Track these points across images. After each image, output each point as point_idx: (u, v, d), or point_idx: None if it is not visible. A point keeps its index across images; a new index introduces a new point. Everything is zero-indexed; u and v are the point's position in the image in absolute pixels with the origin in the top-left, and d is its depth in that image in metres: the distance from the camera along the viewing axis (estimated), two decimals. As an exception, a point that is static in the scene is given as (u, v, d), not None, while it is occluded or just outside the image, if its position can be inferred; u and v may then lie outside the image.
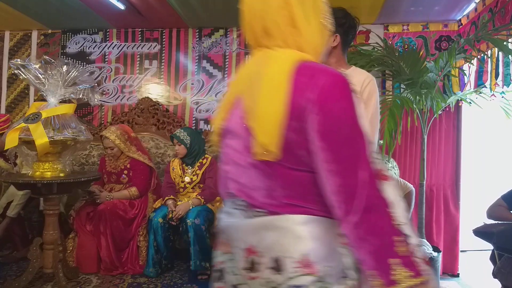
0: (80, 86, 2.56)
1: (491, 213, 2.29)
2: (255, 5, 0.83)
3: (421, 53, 3.04)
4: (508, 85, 2.48)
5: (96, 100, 2.63)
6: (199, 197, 2.84)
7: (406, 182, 2.76)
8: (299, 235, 0.75)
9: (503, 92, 2.58)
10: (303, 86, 0.74)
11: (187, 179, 2.96)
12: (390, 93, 3.37)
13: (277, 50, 0.81)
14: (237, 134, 0.84)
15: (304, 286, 0.73)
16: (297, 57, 0.79)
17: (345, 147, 0.72)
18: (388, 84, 3.48)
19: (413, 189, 2.70)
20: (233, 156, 0.86)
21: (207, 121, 3.83)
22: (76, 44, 4.00)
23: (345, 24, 1.80)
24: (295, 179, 0.77)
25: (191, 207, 2.77)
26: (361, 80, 1.70)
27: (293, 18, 0.81)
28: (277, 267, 0.76)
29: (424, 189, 2.97)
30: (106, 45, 3.96)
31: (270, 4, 0.81)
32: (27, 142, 2.39)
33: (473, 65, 2.89)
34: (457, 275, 3.17)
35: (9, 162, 3.08)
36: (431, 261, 2.61)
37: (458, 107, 3.32)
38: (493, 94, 2.61)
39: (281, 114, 0.74)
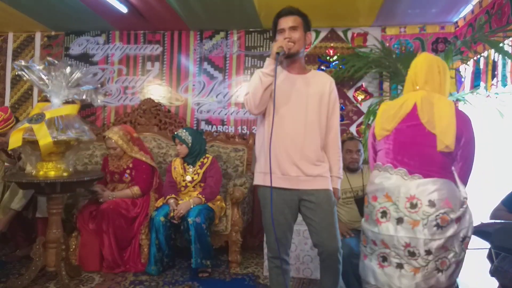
0: (83, 87, 2.59)
1: (494, 218, 2.32)
2: (424, 67, 1.69)
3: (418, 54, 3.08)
4: (504, 86, 2.52)
5: (99, 101, 2.66)
6: (200, 196, 2.88)
7: None
8: (442, 188, 1.54)
9: (496, 93, 2.62)
10: (459, 120, 1.59)
11: (188, 178, 3.00)
12: (388, 94, 3.41)
13: (436, 94, 1.65)
14: (417, 132, 1.61)
15: (446, 213, 1.52)
16: (451, 102, 1.65)
17: (471, 155, 1.63)
18: (386, 85, 3.52)
19: None
20: (410, 144, 1.61)
21: (208, 122, 3.88)
22: (79, 46, 4.05)
23: (310, 26, 1.89)
24: (444, 161, 1.58)
25: (192, 206, 2.80)
26: (328, 82, 1.89)
27: (440, 78, 1.68)
28: (431, 204, 1.53)
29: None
30: (109, 47, 4.01)
31: (433, 70, 1.68)
32: (31, 142, 2.41)
33: (469, 66, 2.92)
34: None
35: (12, 157, 3.10)
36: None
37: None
38: (488, 95, 2.65)
39: (455, 132, 1.56)
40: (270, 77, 1.74)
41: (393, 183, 1.58)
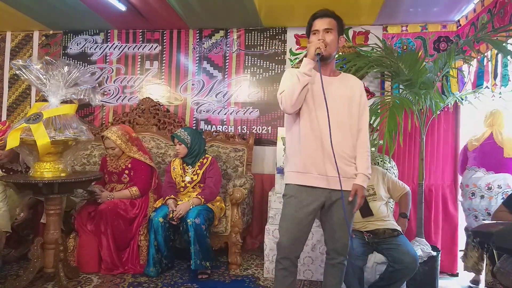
0: (82, 86, 2.56)
1: (496, 219, 2.31)
2: (495, 116, 2.89)
3: (419, 53, 3.05)
4: (505, 86, 2.50)
5: (97, 100, 2.63)
6: (200, 196, 2.85)
7: (403, 183, 2.77)
8: (506, 178, 2.76)
9: (500, 93, 2.60)
10: None
11: (187, 178, 2.97)
12: (389, 93, 3.39)
13: (502, 128, 2.86)
14: (493, 146, 2.84)
15: (507, 191, 2.68)
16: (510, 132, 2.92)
17: None
18: (387, 84, 3.49)
19: (410, 190, 2.73)
20: (489, 153, 2.84)
21: (207, 121, 3.85)
22: (77, 45, 4.02)
23: (343, 30, 1.91)
24: (507, 162, 2.80)
25: (191, 207, 2.78)
26: (357, 85, 1.94)
27: (503, 120, 2.90)
28: (499, 187, 2.74)
29: (423, 189, 2.98)
30: (107, 46, 3.99)
31: (499, 118, 2.89)
32: (29, 142, 2.39)
33: (472, 66, 2.90)
34: (456, 275, 3.18)
35: (20, 171, 3.06)
36: (430, 261, 2.63)
37: (456, 107, 3.34)
38: (493, 95, 2.63)
39: None
40: (308, 76, 1.77)
41: (477, 177, 2.81)
